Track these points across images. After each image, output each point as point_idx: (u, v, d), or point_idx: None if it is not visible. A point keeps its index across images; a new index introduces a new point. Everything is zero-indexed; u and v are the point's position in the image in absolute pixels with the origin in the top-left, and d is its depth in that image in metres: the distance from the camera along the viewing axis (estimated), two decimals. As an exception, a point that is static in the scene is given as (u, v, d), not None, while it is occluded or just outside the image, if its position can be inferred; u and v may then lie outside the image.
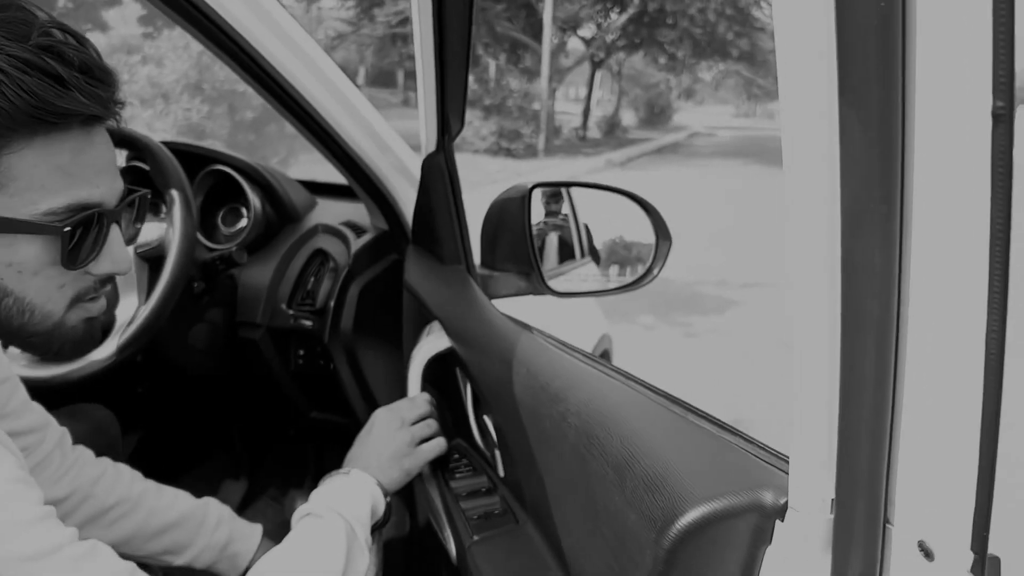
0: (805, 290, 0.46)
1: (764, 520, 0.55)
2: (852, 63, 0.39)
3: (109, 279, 0.76)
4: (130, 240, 0.77)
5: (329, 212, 1.69)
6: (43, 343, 0.73)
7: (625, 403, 0.79)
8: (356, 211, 1.62)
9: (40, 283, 0.69)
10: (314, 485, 1.89)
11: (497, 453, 1.08)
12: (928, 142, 0.39)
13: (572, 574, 0.83)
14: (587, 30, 21.97)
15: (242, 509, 1.68)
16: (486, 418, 1.10)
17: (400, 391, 1.54)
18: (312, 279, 1.56)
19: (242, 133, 10.62)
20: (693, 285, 6.39)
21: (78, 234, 0.69)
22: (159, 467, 1.18)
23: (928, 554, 0.45)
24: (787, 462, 0.58)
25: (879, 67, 0.38)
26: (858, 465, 0.46)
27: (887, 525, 0.47)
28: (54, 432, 1.01)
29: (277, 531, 1.17)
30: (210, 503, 1.10)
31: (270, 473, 1.99)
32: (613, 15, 21.53)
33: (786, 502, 0.53)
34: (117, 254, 0.74)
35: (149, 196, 0.84)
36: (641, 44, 21.87)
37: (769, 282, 6.72)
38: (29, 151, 0.64)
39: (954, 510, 0.43)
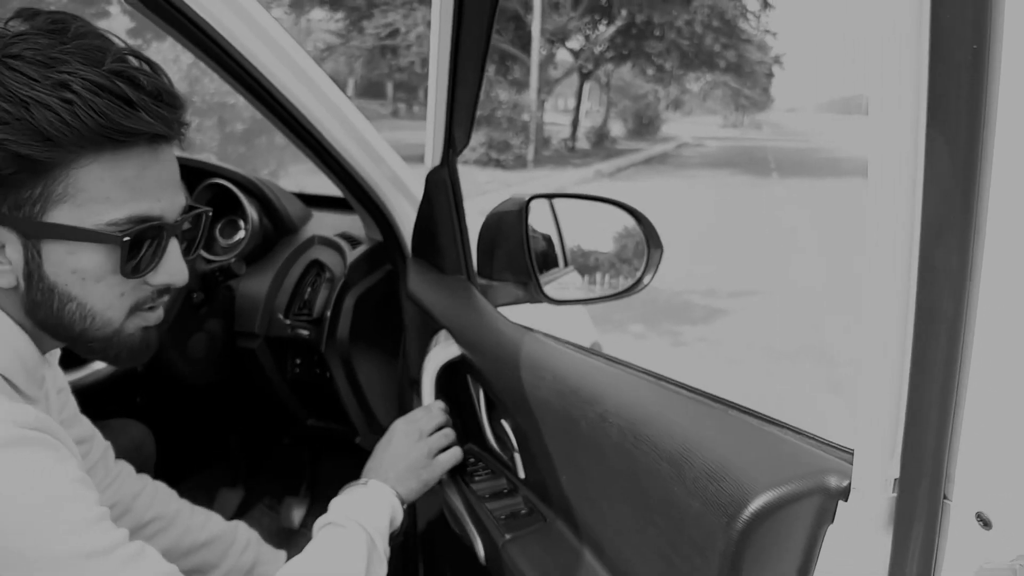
0: (882, 288, 0.51)
1: (827, 501, 0.60)
2: (944, 92, 0.45)
3: (166, 290, 0.79)
4: (189, 253, 0.80)
5: (324, 224, 1.72)
6: (102, 348, 0.77)
7: (667, 401, 0.82)
8: (351, 223, 1.64)
9: (102, 290, 0.73)
10: (310, 492, 1.93)
11: (516, 456, 1.10)
12: (1008, 162, 0.45)
13: (616, 564, 0.86)
14: (575, 42, 22.09)
15: (238, 516, 1.70)
16: (503, 422, 1.13)
17: (395, 398, 1.56)
18: (309, 289, 1.58)
19: (232, 145, 10.61)
20: (682, 294, 6.44)
21: (142, 245, 0.73)
22: (157, 475, 1.19)
23: (986, 524, 0.50)
24: (838, 449, 0.64)
25: (969, 97, 0.44)
26: (924, 447, 0.51)
27: (945, 501, 0.52)
28: (99, 444, 1.04)
29: (272, 538, 1.20)
30: (239, 526, 1.13)
31: (266, 480, 2.01)
32: (601, 27, 21.68)
33: (849, 484, 0.58)
34: (174, 266, 0.77)
35: (211, 214, 0.87)
36: (629, 56, 22.02)
37: (757, 291, 6.77)
38: (96, 166, 0.68)
39: (1014, 482, 0.48)
